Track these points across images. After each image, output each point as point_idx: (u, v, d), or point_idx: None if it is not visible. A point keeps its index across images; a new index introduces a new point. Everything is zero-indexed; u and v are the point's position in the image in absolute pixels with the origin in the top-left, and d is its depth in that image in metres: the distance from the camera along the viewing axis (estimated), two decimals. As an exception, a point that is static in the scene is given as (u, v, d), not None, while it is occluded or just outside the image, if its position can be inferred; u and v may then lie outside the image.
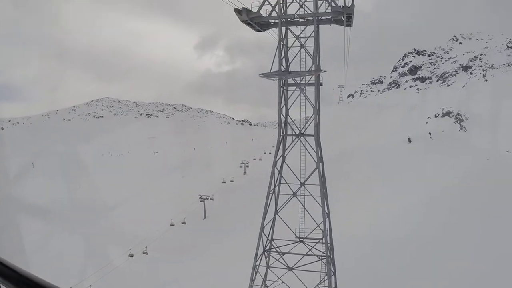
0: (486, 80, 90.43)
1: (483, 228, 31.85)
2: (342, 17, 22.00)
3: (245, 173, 69.11)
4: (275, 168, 20.56)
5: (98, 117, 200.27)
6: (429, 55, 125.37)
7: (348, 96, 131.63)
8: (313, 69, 20.71)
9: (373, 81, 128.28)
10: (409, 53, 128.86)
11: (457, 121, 66.05)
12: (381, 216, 36.95)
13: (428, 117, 69.99)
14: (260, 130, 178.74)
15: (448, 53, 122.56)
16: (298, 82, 22.05)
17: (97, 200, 61.38)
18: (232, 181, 62.49)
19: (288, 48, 21.82)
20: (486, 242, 29.68)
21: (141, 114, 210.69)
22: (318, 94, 21.07)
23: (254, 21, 22.08)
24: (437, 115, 69.55)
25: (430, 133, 61.71)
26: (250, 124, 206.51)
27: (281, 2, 21.52)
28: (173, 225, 49.80)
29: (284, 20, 22.53)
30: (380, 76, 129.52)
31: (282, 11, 22.13)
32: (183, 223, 50.44)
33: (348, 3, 21.08)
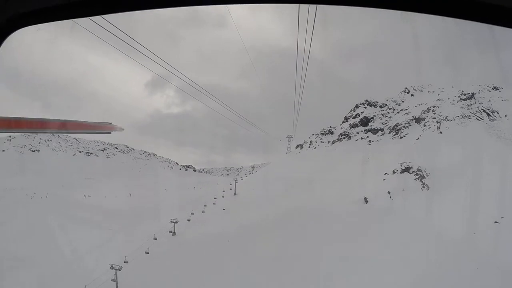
0: (441, 133, 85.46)
1: None
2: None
3: (174, 233, 56.89)
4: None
5: (34, 151, 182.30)
6: (380, 107, 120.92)
7: (297, 147, 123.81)
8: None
9: (323, 132, 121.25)
10: (360, 104, 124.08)
11: (418, 178, 57.92)
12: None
13: (385, 173, 61.70)
14: (205, 177, 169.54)
15: (400, 104, 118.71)
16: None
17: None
18: (147, 252, 49.05)
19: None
20: None
21: (80, 152, 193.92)
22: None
23: None
24: (395, 171, 61.34)
25: (389, 192, 53.02)
26: (195, 170, 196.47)
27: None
28: None
29: None
30: (331, 127, 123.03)
31: None
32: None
33: None
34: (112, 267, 41.03)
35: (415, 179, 58.15)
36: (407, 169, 60.52)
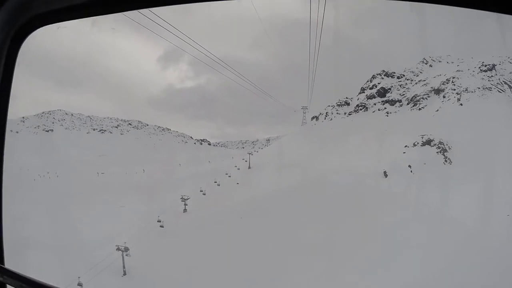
0: (461, 104, 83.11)
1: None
2: None
3: (185, 210, 55.90)
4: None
5: (48, 131, 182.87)
6: (398, 77, 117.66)
7: (312, 118, 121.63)
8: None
9: (339, 103, 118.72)
10: (377, 74, 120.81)
11: (440, 152, 56.09)
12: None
13: (406, 146, 59.88)
14: (220, 150, 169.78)
15: (418, 75, 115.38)
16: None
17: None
18: (162, 226, 48.64)
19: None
20: None
21: (94, 129, 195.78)
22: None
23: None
24: (416, 143, 59.50)
25: (410, 166, 51.42)
26: (209, 144, 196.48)
27: None
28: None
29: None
30: (347, 98, 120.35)
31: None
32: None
33: None
34: (118, 249, 39.87)
35: (437, 152, 56.37)
36: (428, 142, 58.67)
